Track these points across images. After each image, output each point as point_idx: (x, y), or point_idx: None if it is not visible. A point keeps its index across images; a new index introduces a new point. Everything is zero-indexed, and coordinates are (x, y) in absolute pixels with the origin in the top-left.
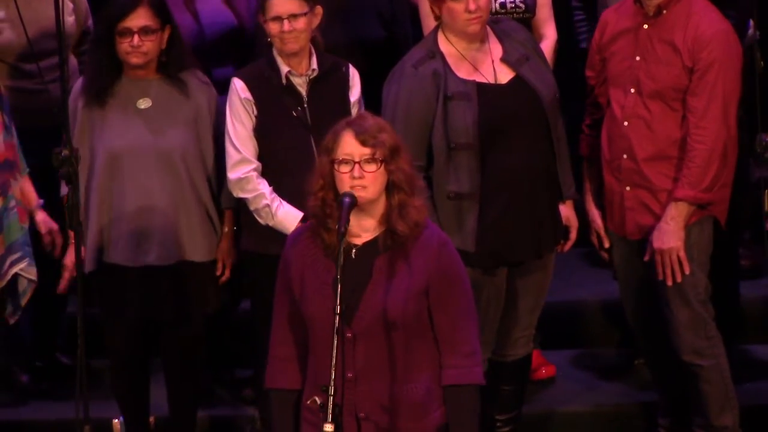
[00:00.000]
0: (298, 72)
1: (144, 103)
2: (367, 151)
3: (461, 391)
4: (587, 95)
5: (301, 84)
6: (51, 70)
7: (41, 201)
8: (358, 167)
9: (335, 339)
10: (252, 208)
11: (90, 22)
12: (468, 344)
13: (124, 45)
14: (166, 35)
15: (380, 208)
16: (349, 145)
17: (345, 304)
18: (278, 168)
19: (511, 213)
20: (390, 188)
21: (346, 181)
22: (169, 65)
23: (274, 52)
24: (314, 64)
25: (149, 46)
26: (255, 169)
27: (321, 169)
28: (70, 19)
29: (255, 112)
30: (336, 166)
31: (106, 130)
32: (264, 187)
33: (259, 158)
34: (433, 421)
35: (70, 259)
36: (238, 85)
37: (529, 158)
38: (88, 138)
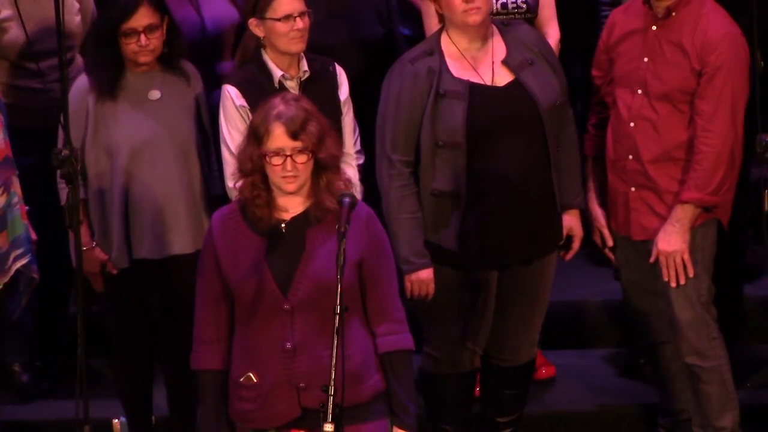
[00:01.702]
0: (291, 74)
1: (155, 95)
2: (298, 144)
3: (399, 356)
4: (593, 95)
5: (293, 87)
6: (56, 69)
7: (26, 207)
8: (290, 161)
9: (335, 338)
10: None
11: None
12: (399, 311)
13: (131, 45)
14: (165, 27)
15: (306, 183)
16: (279, 139)
17: (281, 277)
18: None
19: (496, 216)
20: (316, 167)
21: (278, 172)
22: (172, 56)
23: (265, 57)
24: (305, 66)
25: (155, 43)
26: None
27: (250, 154)
28: (76, 19)
29: (250, 118)
30: (267, 159)
31: (123, 125)
32: None
33: None
34: (369, 388)
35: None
36: (231, 93)
37: (519, 163)
38: (104, 135)
